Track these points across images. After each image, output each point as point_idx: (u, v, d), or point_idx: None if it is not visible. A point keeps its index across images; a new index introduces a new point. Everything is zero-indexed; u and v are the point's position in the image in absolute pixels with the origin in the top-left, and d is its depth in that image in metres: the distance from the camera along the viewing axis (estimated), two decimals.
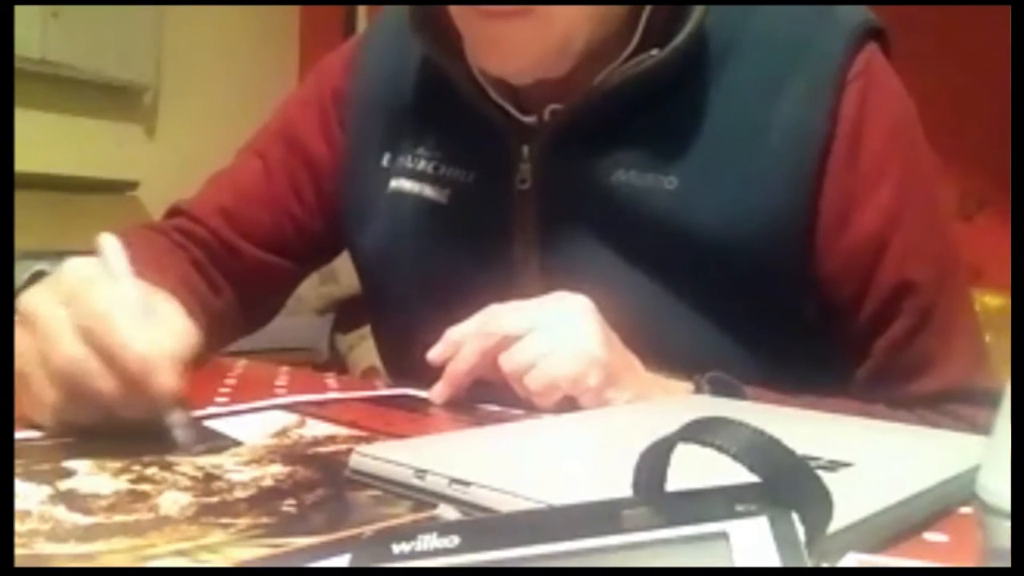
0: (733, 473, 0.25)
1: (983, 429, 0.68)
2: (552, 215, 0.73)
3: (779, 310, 0.71)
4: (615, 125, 0.72)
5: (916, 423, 0.68)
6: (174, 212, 0.90)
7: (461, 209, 0.77)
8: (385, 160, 0.81)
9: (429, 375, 0.66)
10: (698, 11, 0.69)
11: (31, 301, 0.52)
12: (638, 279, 0.70)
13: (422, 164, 0.79)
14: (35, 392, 0.50)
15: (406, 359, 0.76)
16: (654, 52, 0.69)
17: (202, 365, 0.77)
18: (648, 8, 0.71)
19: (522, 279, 0.73)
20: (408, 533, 0.26)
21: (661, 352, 0.67)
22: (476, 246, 0.76)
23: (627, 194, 0.70)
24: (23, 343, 0.51)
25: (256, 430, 0.53)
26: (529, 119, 0.74)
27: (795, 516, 0.24)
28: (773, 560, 0.23)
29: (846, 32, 0.70)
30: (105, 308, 0.49)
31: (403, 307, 0.81)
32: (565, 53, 0.68)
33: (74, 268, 0.53)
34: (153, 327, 0.51)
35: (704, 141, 0.70)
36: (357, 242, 0.84)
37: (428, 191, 0.78)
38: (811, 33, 0.71)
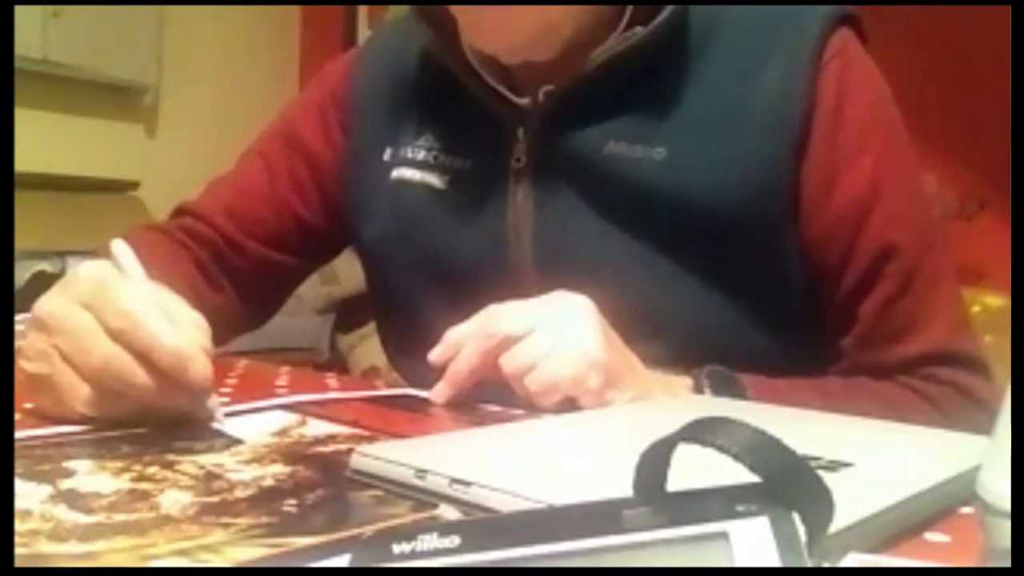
0: (734, 473, 0.25)
1: (966, 392, 0.72)
2: (545, 187, 0.75)
3: (768, 276, 0.73)
4: (606, 100, 0.74)
5: (900, 393, 0.71)
6: (179, 212, 0.93)
7: (460, 193, 0.79)
8: (387, 154, 0.84)
9: (435, 367, 0.67)
10: None
11: (48, 305, 0.54)
12: (628, 244, 0.73)
13: (422, 154, 0.82)
14: (64, 391, 0.52)
15: (411, 348, 0.77)
16: (638, 30, 0.73)
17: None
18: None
19: (515, 253, 0.76)
20: (409, 533, 0.26)
21: (652, 317, 0.69)
22: (472, 226, 0.78)
23: (618, 164, 0.73)
24: (39, 345, 0.53)
25: (257, 429, 0.53)
26: (524, 101, 0.76)
27: (796, 516, 0.24)
28: (773, 560, 0.23)
29: (822, 14, 0.74)
30: (130, 307, 0.52)
31: (407, 295, 0.83)
32: (551, 36, 0.72)
33: (87, 271, 0.55)
34: (176, 322, 0.53)
35: (690, 113, 0.73)
36: (362, 234, 0.86)
37: (429, 178, 0.81)
38: (789, 15, 0.75)
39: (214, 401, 0.54)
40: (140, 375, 0.51)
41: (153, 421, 0.53)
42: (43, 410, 0.54)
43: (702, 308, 0.72)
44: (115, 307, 0.52)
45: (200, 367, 0.52)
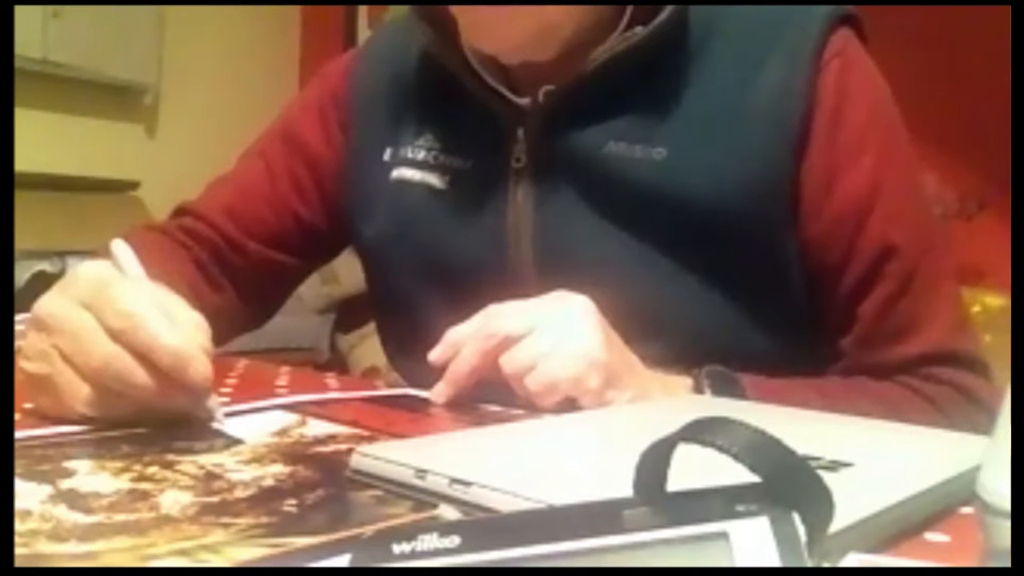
0: (734, 473, 0.25)
1: (966, 392, 0.72)
2: (545, 187, 0.76)
3: (768, 276, 0.73)
4: (606, 100, 0.74)
5: (899, 393, 0.71)
6: (179, 212, 0.93)
7: (459, 193, 0.79)
8: (387, 155, 0.84)
9: (435, 367, 0.67)
10: None
11: (48, 305, 0.54)
12: (628, 244, 0.73)
13: (422, 155, 0.82)
14: (65, 391, 0.52)
15: (411, 348, 0.77)
16: (638, 29, 0.73)
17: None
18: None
19: (515, 253, 0.76)
20: (409, 533, 0.26)
21: (652, 317, 0.69)
22: (472, 226, 0.78)
23: (617, 164, 0.73)
24: (39, 345, 0.53)
25: (257, 429, 0.53)
26: (523, 101, 0.77)
27: (796, 516, 0.24)
28: (773, 560, 0.23)
29: (822, 15, 0.74)
30: (130, 307, 0.52)
31: (406, 295, 0.83)
32: (551, 37, 0.73)
33: (87, 271, 0.55)
34: (176, 322, 0.53)
35: (690, 113, 0.73)
36: (362, 233, 0.86)
37: (429, 178, 0.81)
38: (789, 15, 0.75)
39: (214, 401, 0.55)
40: (140, 375, 0.51)
41: (153, 421, 0.53)
42: (43, 410, 0.54)
43: (702, 308, 0.72)
44: (115, 307, 0.52)
45: (200, 367, 0.52)
